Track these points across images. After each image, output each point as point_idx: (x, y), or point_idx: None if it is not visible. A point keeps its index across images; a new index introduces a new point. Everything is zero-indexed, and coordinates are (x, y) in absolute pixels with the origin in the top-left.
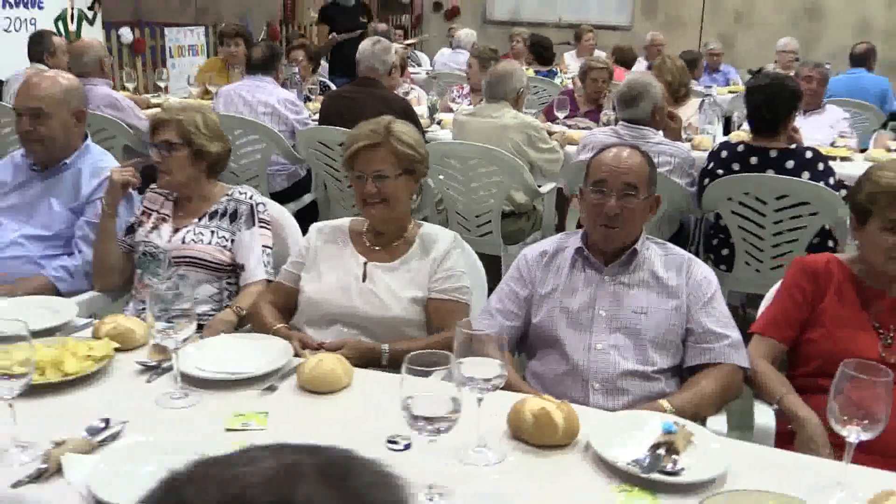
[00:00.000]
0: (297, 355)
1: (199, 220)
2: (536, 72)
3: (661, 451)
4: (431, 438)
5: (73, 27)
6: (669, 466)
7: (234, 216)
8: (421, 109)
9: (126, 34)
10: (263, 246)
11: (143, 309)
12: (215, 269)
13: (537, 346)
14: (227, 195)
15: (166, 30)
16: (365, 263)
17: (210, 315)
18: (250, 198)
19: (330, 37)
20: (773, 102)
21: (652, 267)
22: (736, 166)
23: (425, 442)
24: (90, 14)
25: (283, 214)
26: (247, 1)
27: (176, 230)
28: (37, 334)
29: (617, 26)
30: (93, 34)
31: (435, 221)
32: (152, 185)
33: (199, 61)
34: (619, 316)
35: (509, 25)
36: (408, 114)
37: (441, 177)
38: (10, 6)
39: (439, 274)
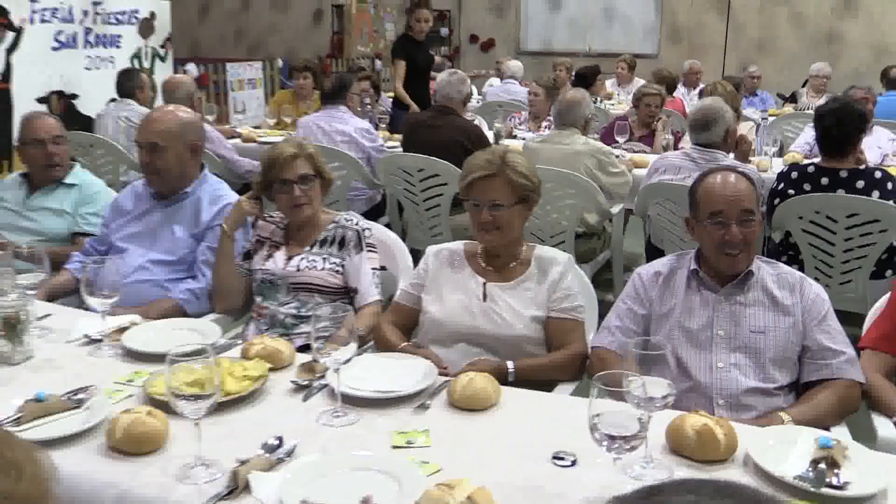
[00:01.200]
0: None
1: (311, 247)
2: None
3: (823, 466)
4: (618, 456)
5: (146, 64)
6: (834, 481)
7: (342, 242)
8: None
9: (192, 69)
10: (372, 268)
11: (266, 329)
12: (330, 292)
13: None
14: (334, 222)
15: (228, 65)
16: (484, 284)
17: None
18: (356, 224)
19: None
20: (842, 125)
21: (765, 286)
22: (807, 186)
23: (593, 458)
24: (162, 52)
25: (387, 236)
26: (295, 37)
27: (289, 258)
28: (189, 356)
29: (644, 54)
30: (165, 70)
31: None
32: (269, 214)
33: (257, 93)
34: (738, 335)
35: (542, 56)
36: (482, 141)
37: None
38: (92, 46)
39: (557, 294)
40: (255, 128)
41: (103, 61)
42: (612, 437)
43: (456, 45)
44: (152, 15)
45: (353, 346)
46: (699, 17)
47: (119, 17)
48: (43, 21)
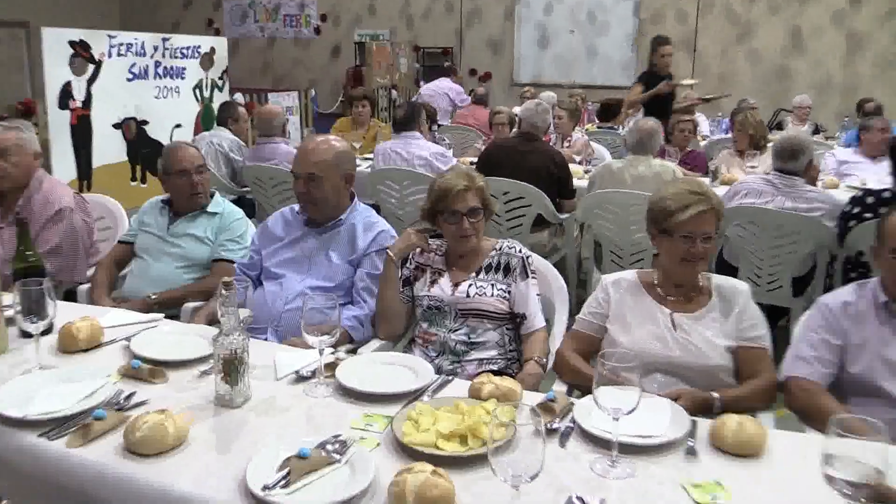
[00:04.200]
0: None
1: (477, 273)
2: (599, 127)
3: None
4: None
5: (206, 93)
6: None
7: (507, 269)
8: None
9: (239, 98)
10: (536, 294)
11: (436, 356)
12: (498, 318)
13: (853, 393)
14: (496, 249)
15: (269, 94)
16: (671, 314)
17: (497, 360)
18: (520, 251)
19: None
20: None
21: None
22: (883, 210)
23: None
24: (220, 82)
25: (540, 263)
26: (315, 70)
27: (456, 284)
28: (401, 396)
29: (622, 86)
30: (222, 98)
31: (590, 257)
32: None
33: (295, 120)
34: None
35: (532, 87)
36: (566, 166)
37: (600, 221)
38: (160, 77)
39: (745, 323)
40: None
41: (170, 91)
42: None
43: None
44: (212, 50)
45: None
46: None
47: (184, 51)
48: (119, 55)
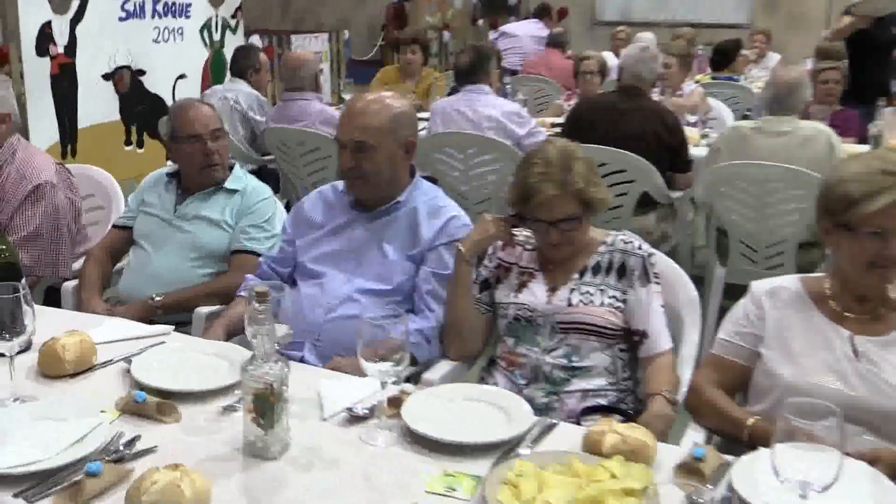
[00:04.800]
0: None
1: (581, 275)
2: (713, 77)
3: None
4: None
5: (216, 36)
6: None
7: (621, 271)
8: None
9: (257, 41)
10: (661, 305)
11: (526, 384)
12: (609, 335)
13: None
14: (606, 244)
15: (293, 37)
16: (851, 337)
17: (606, 392)
18: (639, 248)
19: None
20: None
21: None
22: None
23: None
24: (232, 22)
25: (668, 265)
26: (345, 7)
27: (553, 289)
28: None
29: (735, 24)
30: (236, 42)
31: (710, 249)
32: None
33: (324, 69)
34: None
35: (618, 25)
36: (679, 129)
37: (727, 202)
38: (160, 16)
39: None
40: None
41: (172, 33)
42: None
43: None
44: None
45: None
46: None
47: None
48: None
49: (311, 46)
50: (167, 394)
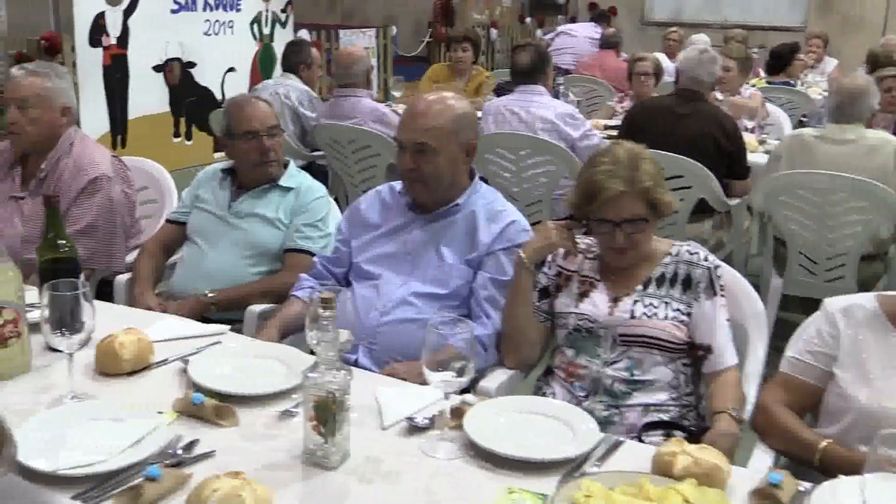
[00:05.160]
0: None
1: (644, 287)
2: (769, 82)
3: None
4: None
5: (266, 30)
6: None
7: (686, 283)
8: None
9: (305, 36)
10: (727, 320)
11: (585, 396)
12: (672, 349)
13: None
14: (671, 254)
15: (341, 32)
16: None
17: (668, 407)
18: (705, 259)
19: None
20: None
21: None
22: None
23: None
24: (283, 16)
25: (734, 278)
26: (392, 3)
27: (615, 299)
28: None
29: (788, 27)
30: (285, 37)
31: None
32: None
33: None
34: None
35: (670, 27)
36: (737, 135)
37: (786, 211)
38: (211, 9)
39: None
40: None
41: (222, 26)
42: None
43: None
44: None
45: None
46: None
47: None
48: None
49: (358, 42)
50: (224, 396)
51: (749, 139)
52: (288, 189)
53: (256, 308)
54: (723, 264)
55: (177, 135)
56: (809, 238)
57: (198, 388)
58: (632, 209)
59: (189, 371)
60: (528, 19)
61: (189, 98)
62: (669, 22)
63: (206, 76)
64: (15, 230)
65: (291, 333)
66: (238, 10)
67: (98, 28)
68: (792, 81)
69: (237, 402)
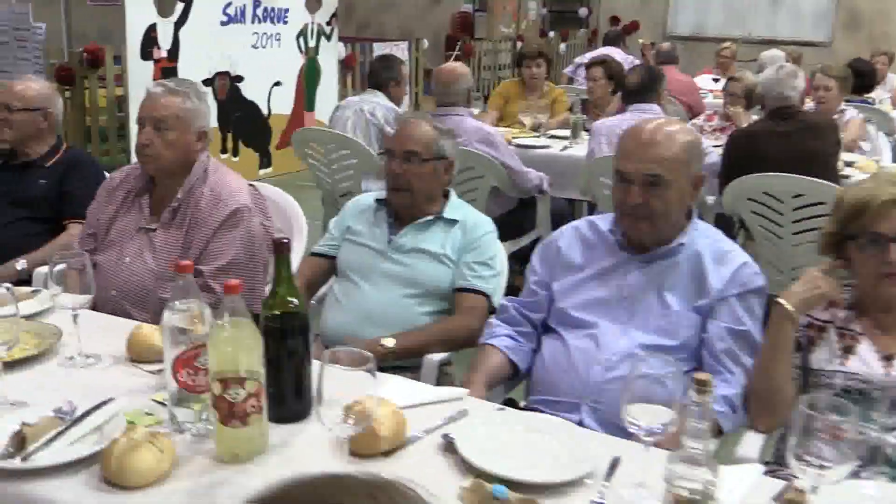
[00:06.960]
0: None
1: None
2: (847, 100)
3: None
4: None
5: (312, 42)
6: None
7: None
8: None
9: (341, 50)
10: None
11: (862, 466)
12: None
13: None
14: None
15: (375, 45)
16: None
17: None
18: None
19: None
20: None
21: None
22: None
23: None
24: (328, 29)
25: None
26: (408, 16)
27: (887, 357)
28: None
29: (814, 42)
30: (330, 49)
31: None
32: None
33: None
34: None
35: (693, 41)
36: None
37: None
38: (259, 21)
39: None
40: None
41: (270, 38)
42: None
43: (594, 27)
44: None
45: None
46: (884, 1)
47: None
48: None
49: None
50: (516, 484)
51: (865, 162)
52: (452, 222)
53: (435, 357)
54: None
55: (224, 150)
56: None
57: (481, 474)
58: None
59: (463, 453)
60: (550, 33)
61: (236, 113)
62: (692, 37)
63: (252, 90)
64: (145, 265)
65: (493, 387)
66: (285, 23)
67: (150, 40)
68: (871, 100)
69: (531, 492)
